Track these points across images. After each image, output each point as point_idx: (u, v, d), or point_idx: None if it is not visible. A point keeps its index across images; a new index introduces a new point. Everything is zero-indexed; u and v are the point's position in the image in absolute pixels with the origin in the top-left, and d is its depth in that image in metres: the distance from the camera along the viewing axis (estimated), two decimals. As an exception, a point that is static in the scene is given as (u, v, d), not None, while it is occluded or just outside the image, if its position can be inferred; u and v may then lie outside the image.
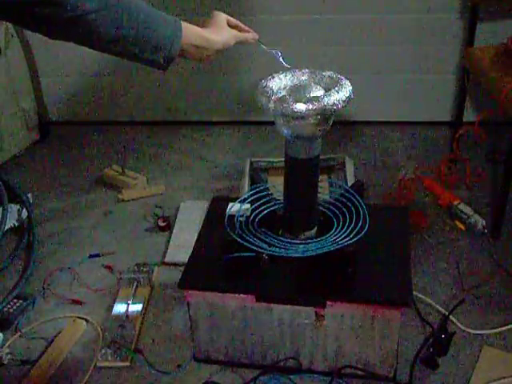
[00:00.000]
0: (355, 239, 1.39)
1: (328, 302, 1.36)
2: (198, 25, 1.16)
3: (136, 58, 1.07)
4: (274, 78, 1.35)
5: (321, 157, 1.41)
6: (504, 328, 1.59)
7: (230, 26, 1.23)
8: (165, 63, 1.09)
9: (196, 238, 1.56)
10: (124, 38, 1.01)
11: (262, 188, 1.59)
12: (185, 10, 2.43)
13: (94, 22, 0.96)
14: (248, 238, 1.42)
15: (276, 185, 1.65)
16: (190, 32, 1.12)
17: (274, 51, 1.31)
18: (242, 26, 1.26)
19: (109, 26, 0.98)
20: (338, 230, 1.45)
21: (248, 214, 1.51)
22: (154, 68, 1.11)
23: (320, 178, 1.47)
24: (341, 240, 1.40)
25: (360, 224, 1.43)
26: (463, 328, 1.59)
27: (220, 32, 1.19)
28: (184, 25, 1.11)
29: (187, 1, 2.43)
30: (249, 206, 1.53)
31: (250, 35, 1.27)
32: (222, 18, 1.21)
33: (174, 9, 2.39)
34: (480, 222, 1.94)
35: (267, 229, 1.47)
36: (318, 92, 1.31)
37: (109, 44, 1.02)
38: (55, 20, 0.94)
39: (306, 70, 1.37)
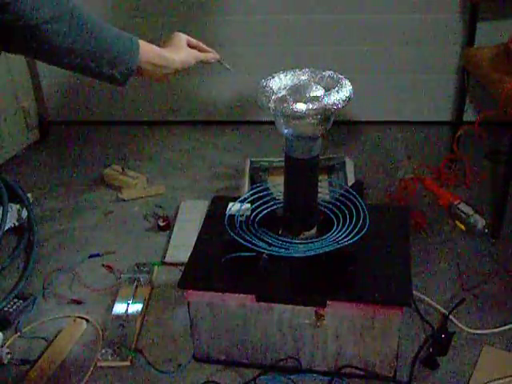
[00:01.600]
0: (355, 239, 1.39)
1: (328, 302, 1.36)
2: (158, 45, 1.18)
3: (93, 74, 1.08)
4: (273, 77, 1.35)
5: (321, 157, 1.41)
6: (504, 328, 1.59)
7: (191, 46, 1.25)
8: (122, 79, 1.10)
9: (196, 237, 1.56)
10: (79, 50, 1.02)
11: (261, 188, 1.59)
12: (182, 14, 2.43)
13: (48, 33, 0.97)
14: (248, 237, 1.42)
15: (276, 185, 1.65)
16: (148, 49, 1.14)
17: (233, 71, 1.36)
18: (203, 46, 1.29)
19: (63, 37, 0.98)
20: (338, 229, 1.45)
21: (248, 213, 1.51)
22: (113, 84, 1.12)
23: (320, 178, 1.47)
24: (341, 240, 1.40)
25: (360, 224, 1.43)
26: (463, 328, 1.59)
27: (179, 51, 1.21)
28: (142, 43, 1.12)
29: (185, 5, 2.43)
30: (249, 205, 1.53)
31: (210, 55, 1.30)
32: (181, 38, 1.23)
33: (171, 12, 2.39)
34: (480, 222, 1.94)
35: (267, 229, 1.47)
36: (318, 92, 1.31)
37: (64, 57, 1.02)
38: (8, 28, 0.94)
39: (306, 70, 1.38)
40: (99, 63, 1.06)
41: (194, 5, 2.44)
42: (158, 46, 1.18)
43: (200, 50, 1.28)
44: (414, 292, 1.66)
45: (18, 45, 0.99)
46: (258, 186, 1.61)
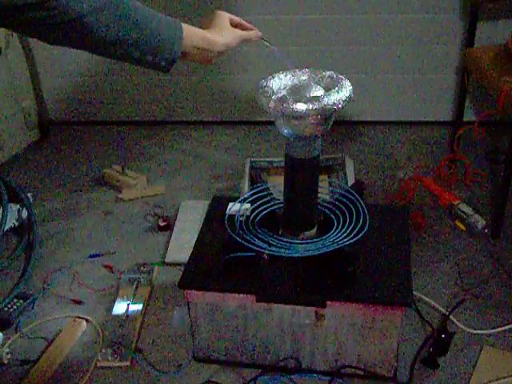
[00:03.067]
0: (355, 239, 1.39)
1: (328, 302, 1.36)
2: (200, 26, 1.15)
3: (138, 62, 1.06)
4: (273, 78, 1.35)
5: (321, 157, 1.41)
6: (504, 328, 1.59)
7: (233, 25, 1.21)
8: (167, 65, 1.08)
9: (196, 238, 1.56)
10: (123, 40, 0.99)
11: (262, 188, 1.59)
12: (185, 11, 2.43)
13: (90, 25, 0.94)
14: (248, 237, 1.42)
15: (276, 185, 1.65)
16: (192, 34, 1.10)
17: (276, 50, 1.30)
18: (245, 24, 1.24)
19: (105, 28, 0.96)
20: (338, 229, 1.45)
21: (248, 213, 1.51)
22: (156, 70, 1.09)
23: (320, 178, 1.47)
24: (341, 240, 1.40)
25: (360, 224, 1.43)
26: (463, 328, 1.59)
27: (223, 33, 1.16)
28: (185, 26, 1.09)
29: (187, 2, 2.44)
30: (249, 205, 1.53)
31: (254, 33, 1.25)
32: (224, 17, 1.19)
33: (178, 10, 2.39)
34: (480, 221, 1.94)
35: (267, 229, 1.47)
36: (318, 92, 1.31)
37: (108, 47, 1.00)
38: (49, 24, 0.92)
39: (306, 70, 1.37)
40: (143, 52, 1.03)
41: (194, 5, 2.44)
42: (200, 27, 1.14)
43: (243, 28, 1.22)
44: (414, 292, 1.66)
45: (59, 38, 0.97)
46: (258, 186, 1.61)
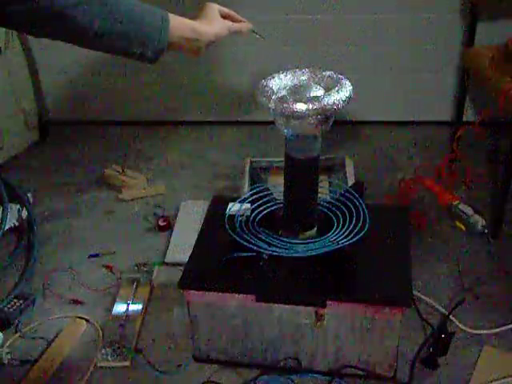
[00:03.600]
0: (355, 239, 1.39)
1: (328, 302, 1.36)
2: (190, 17, 1.14)
3: (125, 53, 1.05)
4: (274, 78, 1.35)
5: (321, 157, 1.41)
6: (504, 328, 1.59)
7: (223, 16, 1.21)
8: (154, 56, 1.07)
9: (196, 238, 1.56)
10: (108, 32, 0.99)
11: (262, 188, 1.59)
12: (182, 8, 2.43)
13: (74, 18, 0.94)
14: (248, 237, 1.42)
15: (276, 185, 1.65)
16: (179, 24, 1.10)
17: (265, 39, 1.30)
18: (236, 15, 1.24)
19: (90, 20, 0.96)
20: (338, 230, 1.45)
21: (248, 213, 1.51)
22: (143, 62, 1.08)
23: (320, 178, 1.47)
24: (341, 240, 1.40)
25: (360, 224, 1.43)
26: (463, 328, 1.59)
27: (211, 23, 1.16)
28: (172, 17, 1.08)
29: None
30: (249, 205, 1.53)
31: (244, 25, 1.25)
32: (213, 8, 1.19)
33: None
34: (480, 221, 1.94)
35: (267, 229, 1.47)
36: (318, 92, 1.31)
37: (94, 40, 0.99)
38: (34, 17, 0.92)
39: (306, 70, 1.37)
40: (130, 43, 1.03)
41: (194, 5, 2.43)
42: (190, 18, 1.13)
43: (233, 19, 1.23)
44: (414, 292, 1.66)
45: (44, 31, 0.97)
46: (258, 186, 1.60)
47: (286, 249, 1.40)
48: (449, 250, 1.89)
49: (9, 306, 1.71)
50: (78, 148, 2.61)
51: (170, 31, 1.07)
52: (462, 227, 1.97)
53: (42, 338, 1.63)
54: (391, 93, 2.57)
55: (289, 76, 1.36)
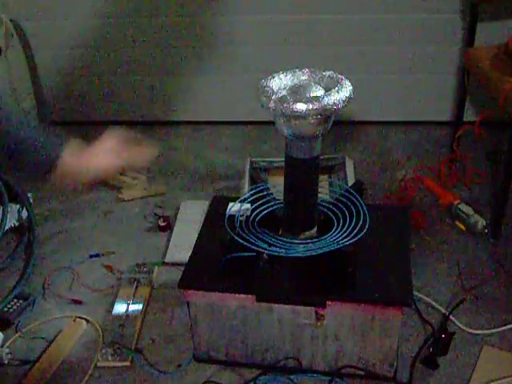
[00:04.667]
0: (355, 239, 1.39)
1: (328, 302, 1.36)
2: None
3: None
4: (274, 78, 1.35)
5: (321, 157, 1.41)
6: (504, 328, 1.59)
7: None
8: None
9: (196, 238, 1.56)
10: None
11: (262, 188, 1.59)
12: (184, 11, 2.43)
13: None
14: (248, 237, 1.42)
15: (276, 185, 1.65)
16: None
17: None
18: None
19: None
20: (338, 230, 1.45)
21: (248, 213, 1.51)
22: None
23: (320, 178, 1.47)
24: (341, 240, 1.40)
25: (360, 224, 1.43)
26: (463, 328, 1.59)
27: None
28: None
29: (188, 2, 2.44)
30: (249, 205, 1.53)
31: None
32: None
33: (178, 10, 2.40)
34: (480, 221, 1.94)
35: (267, 229, 1.47)
36: (318, 92, 1.31)
37: None
38: None
39: (306, 70, 1.37)
40: None
41: (194, 5, 2.44)
42: None
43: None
44: (414, 292, 1.66)
45: None
46: (258, 186, 1.60)
47: (285, 249, 1.40)
48: (449, 250, 1.89)
49: (9, 306, 1.71)
50: (78, 148, 2.60)
51: None
52: (462, 227, 1.97)
53: (42, 338, 1.63)
54: (391, 93, 2.57)
55: (289, 76, 1.36)
